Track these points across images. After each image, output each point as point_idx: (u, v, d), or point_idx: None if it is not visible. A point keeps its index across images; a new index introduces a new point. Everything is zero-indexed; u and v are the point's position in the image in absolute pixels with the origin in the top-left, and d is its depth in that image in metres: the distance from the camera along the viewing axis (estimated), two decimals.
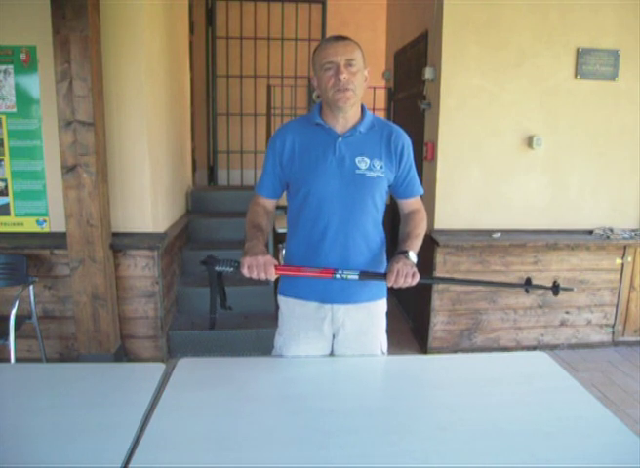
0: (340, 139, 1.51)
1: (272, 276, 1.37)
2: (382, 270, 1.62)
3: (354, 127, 1.52)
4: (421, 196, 1.69)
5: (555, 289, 1.38)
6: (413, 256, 1.45)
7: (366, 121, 1.54)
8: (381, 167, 1.52)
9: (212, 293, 1.28)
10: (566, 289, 1.42)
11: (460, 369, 1.49)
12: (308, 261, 1.51)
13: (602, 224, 3.40)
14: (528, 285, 1.40)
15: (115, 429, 1.12)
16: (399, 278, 1.34)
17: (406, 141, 1.57)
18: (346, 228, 1.52)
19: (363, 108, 1.56)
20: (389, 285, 1.36)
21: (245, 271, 1.37)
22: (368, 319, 1.62)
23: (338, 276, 1.37)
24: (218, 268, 1.36)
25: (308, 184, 1.51)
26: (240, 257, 1.39)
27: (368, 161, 1.51)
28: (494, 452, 1.08)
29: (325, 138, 1.52)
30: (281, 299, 1.66)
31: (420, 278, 1.37)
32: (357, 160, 1.51)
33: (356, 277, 1.36)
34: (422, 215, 1.64)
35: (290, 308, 1.62)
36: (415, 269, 1.38)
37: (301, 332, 1.59)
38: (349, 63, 1.42)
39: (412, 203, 1.65)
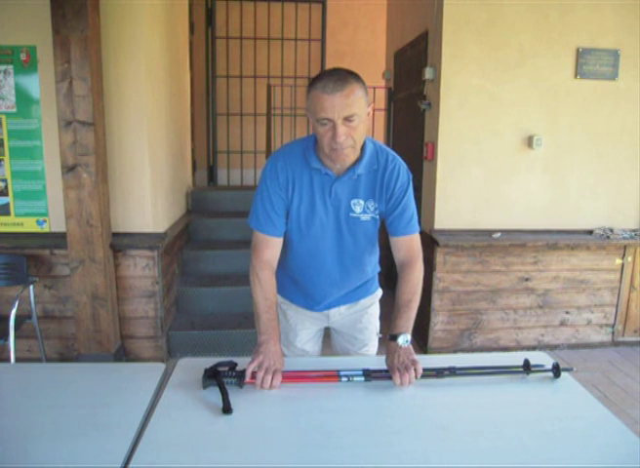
0: (335, 183, 1.43)
1: (279, 385, 1.29)
2: (374, 274, 1.69)
3: (352, 168, 1.42)
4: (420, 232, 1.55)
5: (555, 370, 1.38)
6: (407, 341, 1.36)
7: (365, 160, 1.42)
8: (375, 208, 1.47)
9: (224, 395, 1.22)
10: (566, 369, 1.40)
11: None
12: (304, 285, 1.60)
13: (602, 224, 3.39)
14: (526, 367, 1.38)
15: (115, 429, 1.12)
16: (404, 377, 1.27)
17: (400, 180, 1.45)
18: (342, 264, 1.55)
19: (364, 143, 1.42)
20: (398, 385, 1.29)
21: (248, 377, 1.27)
22: (362, 310, 1.70)
23: (344, 379, 1.33)
24: (225, 379, 1.28)
25: (305, 226, 1.49)
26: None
27: (362, 203, 1.45)
28: (494, 452, 1.08)
29: (321, 180, 1.44)
30: (277, 296, 1.69)
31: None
32: (352, 203, 1.45)
33: (362, 379, 1.33)
34: (415, 276, 1.48)
35: (286, 304, 1.70)
36: (413, 356, 1.33)
37: (298, 324, 1.69)
38: (349, 119, 1.27)
39: (401, 244, 1.51)
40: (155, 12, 3.08)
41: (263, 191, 1.46)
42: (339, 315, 1.68)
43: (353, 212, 1.46)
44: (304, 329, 1.70)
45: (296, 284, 1.63)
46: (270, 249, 1.48)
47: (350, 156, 1.37)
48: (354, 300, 1.67)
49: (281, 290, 1.63)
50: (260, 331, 1.39)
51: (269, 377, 1.26)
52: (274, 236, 1.48)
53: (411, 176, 1.50)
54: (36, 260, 2.89)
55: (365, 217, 1.46)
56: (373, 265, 1.65)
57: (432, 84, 3.25)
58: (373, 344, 1.72)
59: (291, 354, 1.70)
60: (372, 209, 1.46)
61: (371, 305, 1.71)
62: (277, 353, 1.34)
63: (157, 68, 3.12)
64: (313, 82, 1.30)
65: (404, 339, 1.36)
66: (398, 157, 1.50)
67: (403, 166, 1.48)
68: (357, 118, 1.28)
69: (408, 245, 1.51)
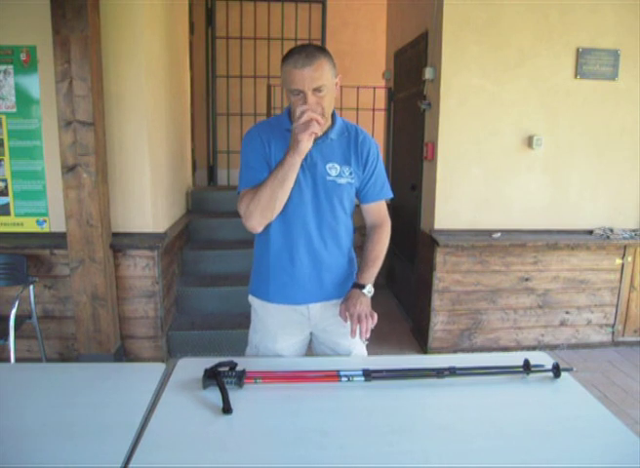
0: (311, 147, 1.48)
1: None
2: (352, 270, 1.66)
3: (325, 134, 1.53)
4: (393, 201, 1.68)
5: (555, 370, 1.38)
6: (369, 291, 1.53)
7: (337, 127, 1.56)
8: (350, 173, 1.56)
9: (224, 395, 1.22)
10: (566, 369, 1.40)
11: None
12: (282, 261, 1.57)
13: (602, 224, 3.40)
14: (526, 367, 1.38)
15: (115, 429, 1.12)
16: (362, 325, 1.43)
17: (372, 147, 1.60)
18: (320, 233, 1.56)
19: (333, 113, 1.57)
20: (353, 333, 1.44)
21: (302, 123, 1.38)
22: None
23: (344, 379, 1.33)
24: (225, 379, 1.28)
25: None
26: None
27: (338, 168, 1.54)
28: (494, 452, 1.08)
29: None
30: (254, 299, 1.69)
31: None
32: (328, 166, 1.54)
33: (362, 379, 1.33)
34: (385, 236, 1.64)
35: (264, 308, 1.65)
36: (370, 308, 1.49)
37: (279, 330, 1.62)
38: (317, 89, 1.41)
39: (373, 209, 1.65)
40: (155, 12, 3.08)
41: (246, 156, 1.55)
42: (320, 313, 1.61)
43: (329, 175, 1.54)
44: (286, 335, 1.62)
45: (274, 267, 1.58)
46: None
47: (321, 123, 1.45)
48: (334, 297, 1.61)
49: (257, 290, 1.65)
50: (275, 170, 1.44)
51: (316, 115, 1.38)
52: None
53: (379, 146, 1.65)
54: (36, 260, 2.89)
55: (341, 181, 1.55)
56: (349, 247, 1.65)
57: (432, 84, 3.25)
58: (359, 350, 1.66)
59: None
60: (347, 173, 1.56)
61: None
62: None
63: (157, 68, 3.13)
64: (285, 58, 1.45)
65: (369, 290, 1.53)
66: (365, 130, 1.66)
67: (371, 137, 1.64)
68: (325, 88, 1.43)
69: (378, 208, 1.66)
